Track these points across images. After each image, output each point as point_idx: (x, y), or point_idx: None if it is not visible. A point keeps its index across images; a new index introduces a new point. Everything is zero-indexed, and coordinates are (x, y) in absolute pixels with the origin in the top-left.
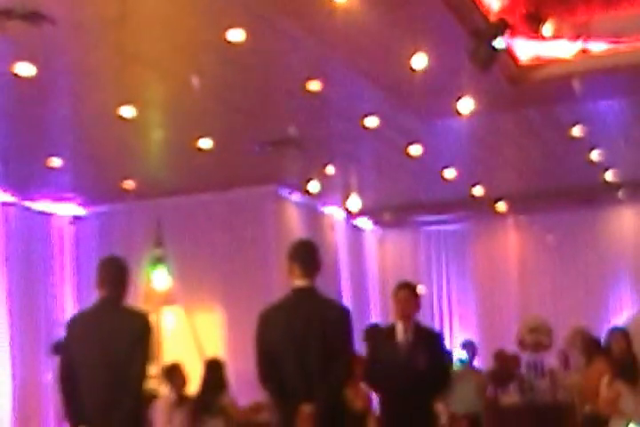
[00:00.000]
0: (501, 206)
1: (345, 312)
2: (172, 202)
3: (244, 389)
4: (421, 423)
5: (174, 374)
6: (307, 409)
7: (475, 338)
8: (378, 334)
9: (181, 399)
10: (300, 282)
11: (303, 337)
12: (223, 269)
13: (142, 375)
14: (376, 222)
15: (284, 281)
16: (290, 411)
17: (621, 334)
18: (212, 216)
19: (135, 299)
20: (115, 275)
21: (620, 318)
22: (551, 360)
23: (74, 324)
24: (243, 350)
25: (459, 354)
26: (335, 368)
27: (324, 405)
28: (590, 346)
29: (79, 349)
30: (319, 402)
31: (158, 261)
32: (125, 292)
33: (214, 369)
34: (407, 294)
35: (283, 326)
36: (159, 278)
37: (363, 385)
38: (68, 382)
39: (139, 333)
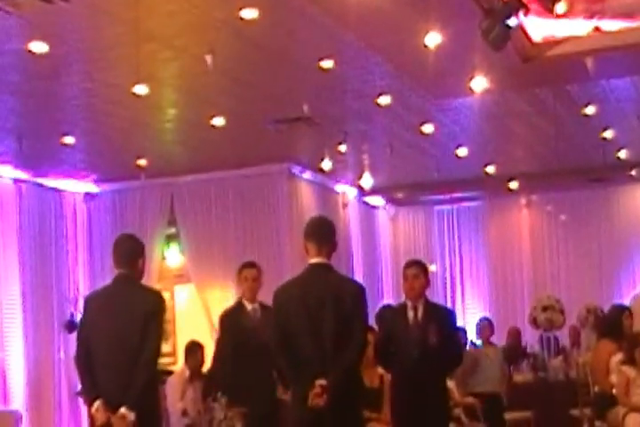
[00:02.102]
0: (514, 185)
1: (360, 289)
2: (185, 180)
3: None
4: (434, 401)
5: (194, 351)
6: (320, 383)
7: (488, 315)
8: (389, 313)
9: (195, 376)
10: (315, 259)
11: (318, 313)
12: (236, 246)
13: (155, 352)
14: (389, 201)
15: (296, 258)
16: (304, 386)
17: (629, 312)
18: (224, 194)
19: (148, 276)
20: (129, 253)
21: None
22: (564, 338)
23: (90, 302)
24: None
25: (472, 336)
26: (349, 344)
27: (338, 380)
28: (602, 324)
29: (94, 326)
30: (333, 377)
31: (171, 238)
32: (139, 270)
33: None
34: (416, 272)
35: (297, 303)
36: (172, 256)
37: (376, 365)
38: (85, 358)
39: (152, 310)
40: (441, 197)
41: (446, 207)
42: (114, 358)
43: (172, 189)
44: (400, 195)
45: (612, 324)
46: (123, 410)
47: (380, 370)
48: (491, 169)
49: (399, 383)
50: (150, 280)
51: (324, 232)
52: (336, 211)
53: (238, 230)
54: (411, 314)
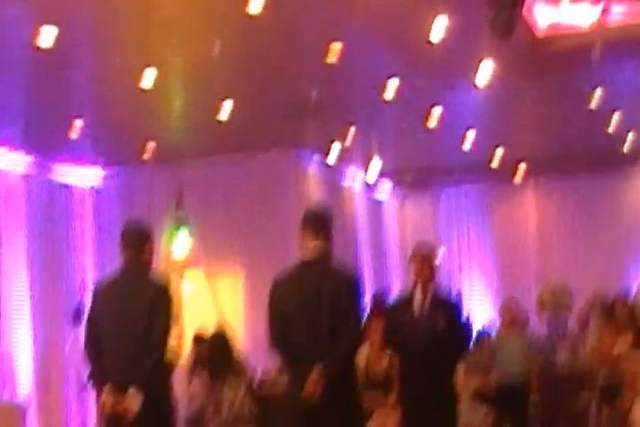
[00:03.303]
0: (521, 169)
1: (356, 278)
2: (193, 166)
3: (264, 353)
4: (442, 386)
5: (202, 341)
6: (316, 372)
7: (495, 300)
8: (394, 304)
9: (200, 364)
10: (312, 248)
11: (314, 302)
12: (244, 232)
13: (163, 335)
14: (396, 185)
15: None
16: (299, 375)
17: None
18: (232, 180)
19: (156, 262)
20: (136, 240)
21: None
22: (571, 321)
23: (98, 290)
24: (263, 313)
25: (480, 322)
26: (345, 333)
27: (335, 368)
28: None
29: (102, 312)
30: (328, 365)
31: (179, 224)
32: (147, 257)
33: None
34: (424, 257)
35: (294, 291)
36: (180, 242)
37: (387, 351)
38: (93, 345)
39: (159, 297)
40: (448, 181)
41: (453, 191)
42: (122, 343)
43: (180, 174)
44: (407, 179)
45: (609, 312)
46: (131, 391)
47: (389, 355)
48: (498, 154)
49: (407, 368)
50: (158, 266)
51: (319, 220)
52: (344, 196)
53: (246, 216)
54: (418, 298)
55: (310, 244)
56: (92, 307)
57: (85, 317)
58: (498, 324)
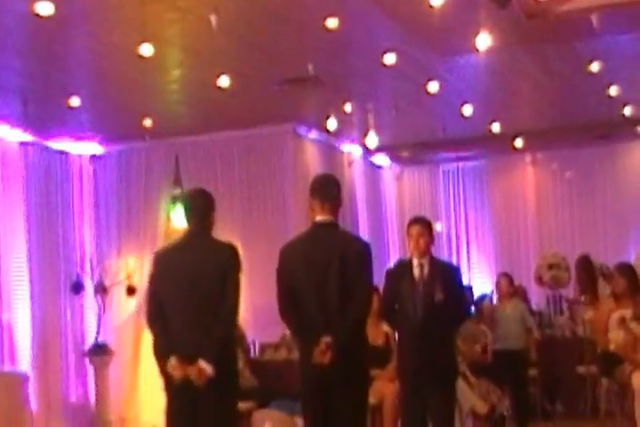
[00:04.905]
0: (519, 143)
1: (365, 247)
2: (191, 140)
3: (263, 325)
4: (441, 358)
5: None
6: (325, 340)
7: (493, 274)
8: (394, 270)
9: None
10: (320, 217)
11: (323, 271)
12: (241, 206)
13: (236, 306)
14: (394, 159)
15: (301, 218)
16: (309, 343)
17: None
18: (229, 154)
19: (154, 237)
20: (203, 208)
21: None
22: (570, 296)
23: (160, 257)
24: (261, 286)
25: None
26: (354, 302)
27: (343, 337)
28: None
29: (166, 281)
30: (338, 334)
31: (177, 199)
32: (211, 224)
33: None
34: (421, 229)
35: (303, 260)
36: (178, 217)
37: (383, 323)
38: (157, 315)
39: (228, 263)
40: (446, 155)
41: (451, 166)
42: (189, 313)
43: (177, 149)
44: (405, 154)
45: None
46: (201, 363)
47: (386, 328)
48: (496, 127)
49: (405, 341)
50: (156, 239)
51: (328, 189)
52: (341, 170)
53: (244, 190)
54: (416, 271)
55: (318, 212)
56: (153, 275)
57: (146, 285)
58: (494, 298)
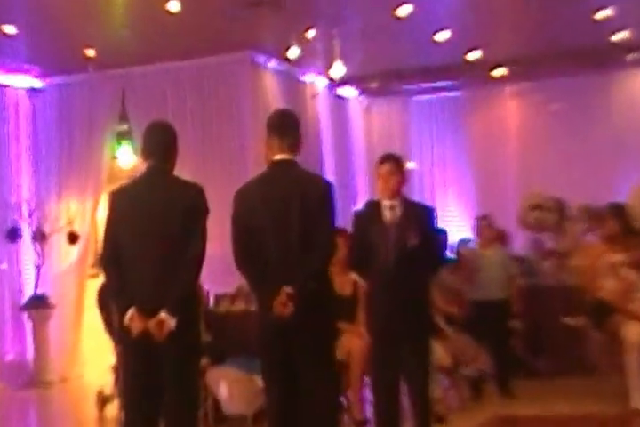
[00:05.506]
0: (499, 72)
1: (327, 186)
2: (139, 71)
3: (218, 274)
4: (414, 309)
5: None
6: (287, 291)
7: (471, 217)
8: (363, 213)
9: None
10: (278, 156)
11: (282, 214)
12: (195, 144)
13: (202, 251)
14: (362, 91)
15: (260, 156)
16: (269, 294)
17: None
18: (181, 87)
19: (97, 177)
20: (166, 144)
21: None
22: (557, 240)
23: (118, 195)
24: (216, 233)
25: (459, 233)
26: (317, 247)
27: (306, 286)
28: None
29: (125, 223)
30: (300, 283)
31: (123, 136)
32: (173, 163)
33: None
34: (392, 167)
35: (261, 203)
36: (124, 155)
37: (351, 271)
38: (113, 260)
39: (194, 204)
40: (419, 86)
41: (425, 98)
42: (150, 259)
43: (123, 81)
44: (374, 84)
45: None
46: (162, 315)
47: (354, 276)
48: (474, 55)
49: (376, 290)
50: (100, 181)
51: (287, 125)
52: (304, 103)
53: (197, 126)
54: (387, 214)
55: (276, 150)
56: (109, 217)
57: (103, 229)
58: (473, 244)
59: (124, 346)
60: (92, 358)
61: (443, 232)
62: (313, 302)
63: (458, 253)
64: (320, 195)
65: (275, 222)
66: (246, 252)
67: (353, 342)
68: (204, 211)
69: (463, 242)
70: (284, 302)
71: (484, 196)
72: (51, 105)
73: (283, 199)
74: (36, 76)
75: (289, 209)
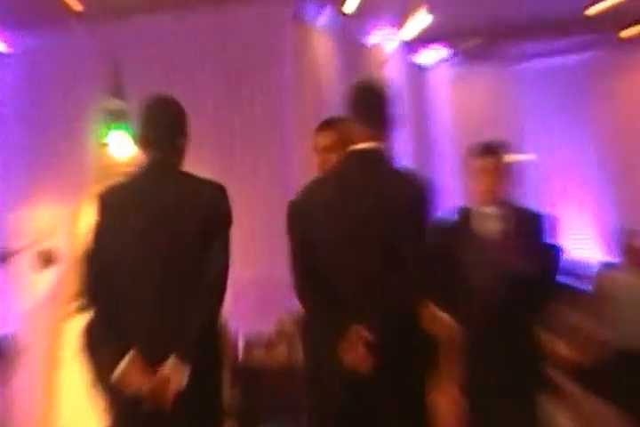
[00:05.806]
0: (633, 31)
1: (427, 191)
2: (136, 28)
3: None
4: (526, 358)
5: None
6: (359, 332)
7: (603, 229)
8: (448, 226)
9: None
10: (362, 145)
11: (361, 225)
12: (216, 128)
13: (226, 272)
14: (449, 56)
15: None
16: (336, 335)
17: None
18: (197, 49)
19: (80, 174)
20: (168, 126)
21: None
22: None
23: (107, 204)
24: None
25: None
26: (406, 274)
27: (387, 327)
28: None
29: (117, 242)
30: (379, 322)
31: (117, 116)
32: (181, 153)
33: None
34: (492, 162)
35: (329, 212)
36: (117, 144)
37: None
38: (101, 286)
39: (213, 212)
40: (521, 48)
41: (536, 64)
42: (152, 285)
43: (116, 40)
44: (463, 46)
45: None
46: (171, 360)
47: (440, 313)
48: (599, 8)
49: (472, 333)
50: (84, 179)
51: (374, 103)
52: (367, 72)
53: (219, 104)
54: (484, 225)
55: (360, 137)
56: (97, 230)
57: (89, 245)
58: (616, 267)
59: (119, 409)
60: (71, 417)
61: (557, 250)
62: (401, 346)
63: (596, 281)
64: (415, 198)
65: (350, 237)
66: (308, 275)
67: (440, 403)
68: (226, 220)
69: (605, 267)
70: (353, 347)
71: (624, 200)
72: (18, 75)
73: (362, 204)
74: (4, 37)
75: (369, 223)
